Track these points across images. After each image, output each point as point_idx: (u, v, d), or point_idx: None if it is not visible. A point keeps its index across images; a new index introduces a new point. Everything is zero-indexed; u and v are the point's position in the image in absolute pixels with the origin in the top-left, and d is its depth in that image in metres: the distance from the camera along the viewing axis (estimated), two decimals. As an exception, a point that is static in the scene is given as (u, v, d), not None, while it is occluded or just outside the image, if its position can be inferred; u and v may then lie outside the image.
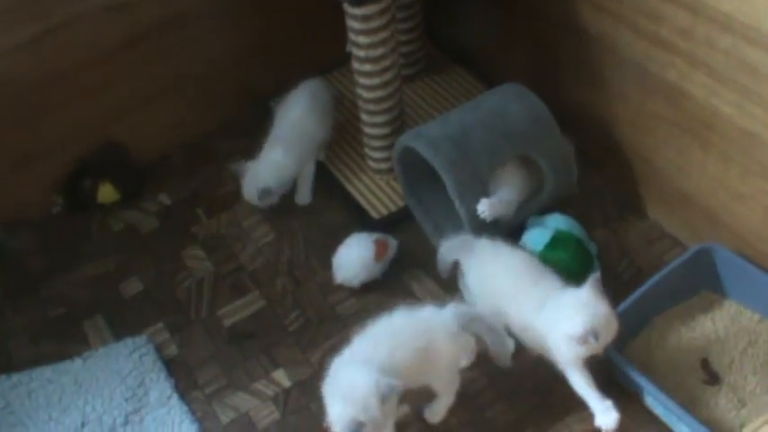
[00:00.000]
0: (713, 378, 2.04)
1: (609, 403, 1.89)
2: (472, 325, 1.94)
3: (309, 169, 2.57)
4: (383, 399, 1.73)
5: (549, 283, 2.02)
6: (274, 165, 2.49)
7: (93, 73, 2.51)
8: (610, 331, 1.89)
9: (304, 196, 2.57)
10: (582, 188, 2.37)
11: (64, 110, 2.51)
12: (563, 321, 1.89)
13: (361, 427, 1.71)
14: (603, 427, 1.88)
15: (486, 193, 2.18)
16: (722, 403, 2.00)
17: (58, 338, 2.32)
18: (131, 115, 2.64)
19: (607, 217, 2.41)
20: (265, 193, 2.46)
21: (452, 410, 2.04)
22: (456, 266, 2.20)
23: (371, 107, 2.42)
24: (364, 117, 2.46)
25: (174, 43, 2.61)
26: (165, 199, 2.66)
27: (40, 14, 2.35)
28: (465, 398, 2.06)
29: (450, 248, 2.17)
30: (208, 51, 2.69)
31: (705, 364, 2.07)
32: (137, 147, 2.68)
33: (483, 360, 2.11)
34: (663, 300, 2.15)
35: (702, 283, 2.18)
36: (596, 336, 1.85)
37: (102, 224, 2.61)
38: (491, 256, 2.11)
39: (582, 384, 1.93)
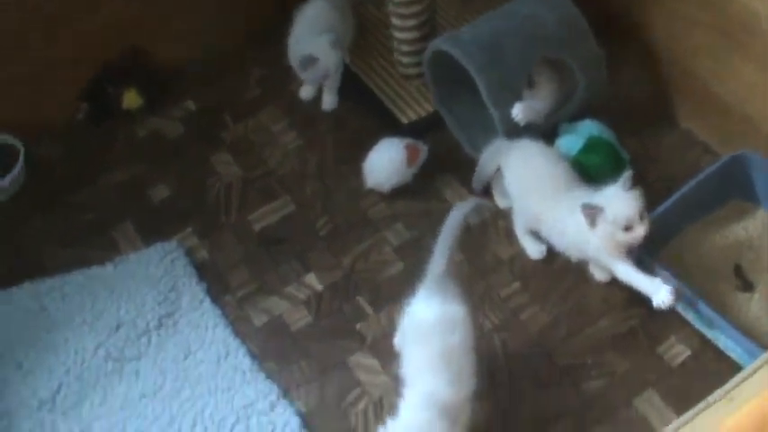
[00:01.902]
0: (746, 285, 2.04)
1: (658, 280, 1.90)
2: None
3: (336, 74, 2.53)
4: None
5: (583, 190, 2.01)
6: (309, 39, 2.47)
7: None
8: (643, 222, 1.89)
9: (330, 102, 2.55)
10: (613, 95, 2.33)
11: (89, 15, 2.47)
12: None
13: None
14: (662, 305, 1.88)
15: (520, 98, 2.15)
16: (755, 310, 2.00)
17: (89, 245, 2.33)
18: (156, 21, 2.59)
19: (638, 125, 2.38)
20: (307, 61, 2.43)
21: (485, 314, 2.05)
22: (492, 175, 2.20)
23: (402, 10, 2.38)
24: (394, 21, 2.42)
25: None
26: (190, 105, 2.63)
27: None
28: (498, 301, 2.07)
29: (490, 154, 2.17)
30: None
31: (738, 270, 2.07)
32: (161, 53, 2.64)
33: (517, 266, 2.13)
34: (695, 208, 2.14)
35: (735, 191, 2.17)
36: (631, 222, 1.87)
37: (127, 131, 2.59)
38: (531, 157, 2.11)
39: (627, 271, 1.94)
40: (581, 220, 1.92)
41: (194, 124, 2.58)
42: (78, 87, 2.58)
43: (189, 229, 2.33)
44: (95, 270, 2.26)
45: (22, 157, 2.46)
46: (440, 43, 2.21)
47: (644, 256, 1.97)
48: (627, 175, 1.92)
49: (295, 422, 1.96)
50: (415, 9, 2.37)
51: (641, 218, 1.89)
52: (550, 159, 2.10)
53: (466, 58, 2.13)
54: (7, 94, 2.42)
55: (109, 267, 2.27)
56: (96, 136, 2.58)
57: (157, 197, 2.42)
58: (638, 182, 1.95)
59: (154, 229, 2.34)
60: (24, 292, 2.24)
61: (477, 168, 2.23)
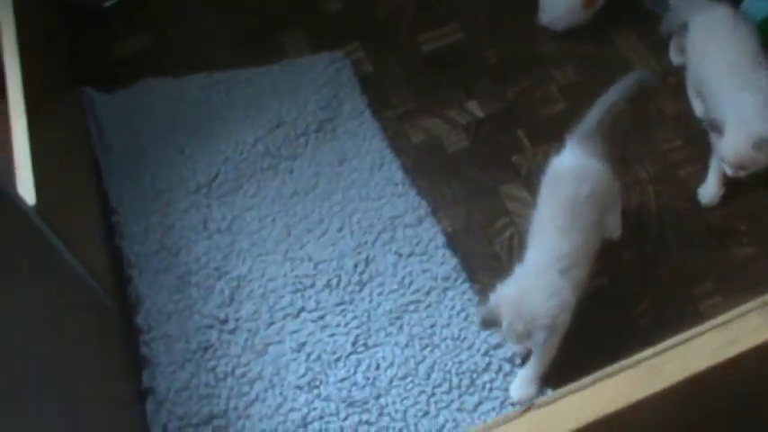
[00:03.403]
0: None
1: None
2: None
3: None
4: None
5: (758, 76, 1.91)
6: None
7: None
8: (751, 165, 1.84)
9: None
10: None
11: None
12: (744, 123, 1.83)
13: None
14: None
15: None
16: None
17: (257, 47, 2.36)
18: None
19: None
20: None
21: (642, 164, 2.03)
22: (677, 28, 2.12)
23: None
24: None
25: None
26: None
27: None
28: (657, 154, 2.04)
29: (681, 7, 2.08)
30: None
31: None
32: None
33: (682, 124, 2.06)
34: None
35: None
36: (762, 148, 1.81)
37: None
38: (718, 25, 2.00)
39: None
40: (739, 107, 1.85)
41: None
42: None
43: (357, 43, 2.33)
44: (262, 69, 2.31)
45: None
46: None
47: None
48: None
49: (440, 239, 1.99)
50: None
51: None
52: (738, 32, 1.98)
53: None
54: None
55: (275, 68, 2.31)
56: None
57: (329, 9, 2.42)
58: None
59: (322, 39, 2.35)
60: (192, 83, 2.31)
61: (666, 16, 2.14)
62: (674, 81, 2.16)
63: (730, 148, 1.84)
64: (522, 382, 1.77)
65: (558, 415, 1.16)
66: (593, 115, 1.81)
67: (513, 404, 1.78)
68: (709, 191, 1.98)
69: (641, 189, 2.02)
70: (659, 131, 2.09)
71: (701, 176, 2.00)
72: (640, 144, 2.07)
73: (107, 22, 2.44)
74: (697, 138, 2.04)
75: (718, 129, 1.83)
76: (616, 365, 1.18)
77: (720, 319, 1.22)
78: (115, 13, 2.45)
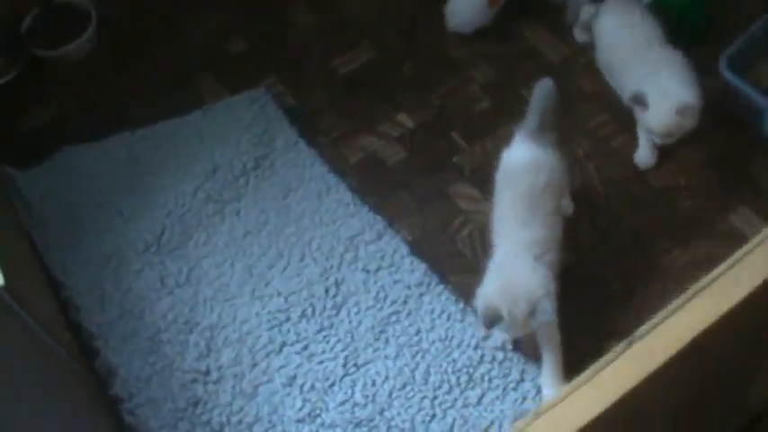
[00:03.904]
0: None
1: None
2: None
3: None
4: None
5: (668, 51, 2.04)
6: None
7: None
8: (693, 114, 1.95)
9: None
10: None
11: None
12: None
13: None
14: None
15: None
16: None
17: (172, 97, 2.34)
18: None
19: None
20: None
21: (578, 143, 2.11)
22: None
23: None
24: None
25: None
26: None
27: None
28: (587, 131, 2.12)
29: None
30: None
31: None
32: None
33: (603, 99, 2.16)
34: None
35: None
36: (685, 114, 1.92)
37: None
38: (624, 11, 2.12)
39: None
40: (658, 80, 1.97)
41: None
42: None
43: (273, 78, 2.34)
44: (185, 118, 2.29)
45: (94, 16, 2.45)
46: None
47: (731, 77, 2.01)
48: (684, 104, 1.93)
49: (404, 249, 2.02)
50: None
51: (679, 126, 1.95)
52: (642, 15, 2.11)
53: None
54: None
55: (198, 114, 2.29)
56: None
57: (236, 49, 2.42)
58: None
59: (236, 79, 2.35)
60: (115, 143, 2.27)
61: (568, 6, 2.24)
62: (584, 61, 2.26)
63: (656, 119, 1.96)
64: (547, 380, 1.80)
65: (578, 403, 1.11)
66: (534, 112, 1.86)
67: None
68: (644, 156, 2.08)
69: (581, 167, 2.10)
70: (584, 110, 2.19)
71: (633, 144, 2.11)
72: (570, 125, 2.15)
73: (5, 98, 2.36)
74: (619, 109, 2.14)
75: (643, 102, 1.94)
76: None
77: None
78: (10, 90, 2.37)
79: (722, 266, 1.07)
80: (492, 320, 1.66)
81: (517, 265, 1.73)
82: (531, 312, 1.64)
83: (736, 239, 1.95)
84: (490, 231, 1.86)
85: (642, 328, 0.98)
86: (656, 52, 2.05)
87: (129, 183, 2.20)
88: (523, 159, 1.83)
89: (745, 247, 1.12)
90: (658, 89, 1.96)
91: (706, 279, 1.05)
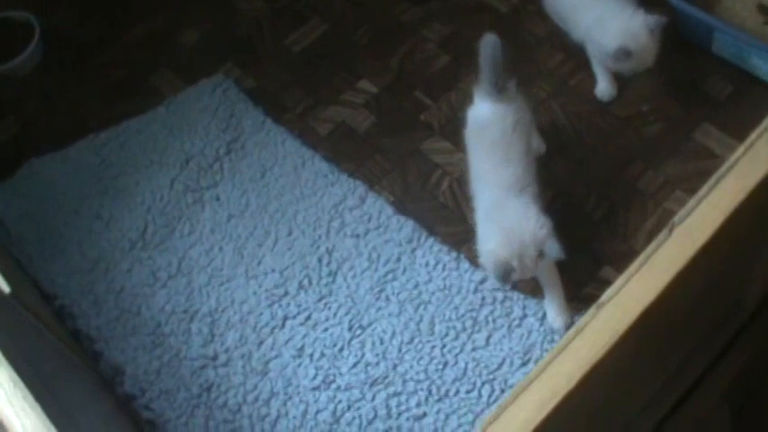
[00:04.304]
0: (771, 15, 2.18)
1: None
2: None
3: None
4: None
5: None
6: None
7: None
8: (648, 53, 1.98)
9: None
10: None
11: None
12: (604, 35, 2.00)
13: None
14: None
15: None
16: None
17: (132, 97, 2.33)
18: None
19: None
20: None
21: (539, 86, 2.17)
22: None
23: None
24: None
25: None
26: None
27: None
28: (546, 73, 2.18)
29: None
30: None
31: (762, 8, 2.20)
32: None
33: (556, 40, 2.21)
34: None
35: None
36: (629, 55, 1.95)
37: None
38: None
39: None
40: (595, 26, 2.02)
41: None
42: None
43: (229, 64, 2.35)
44: (149, 114, 2.28)
45: (38, 28, 2.42)
46: None
47: (679, 2, 2.09)
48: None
49: (389, 209, 2.04)
50: None
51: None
52: None
53: None
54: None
55: (161, 110, 2.28)
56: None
57: (188, 42, 2.42)
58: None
59: (193, 71, 2.35)
60: (82, 149, 2.25)
61: None
62: (533, 8, 2.31)
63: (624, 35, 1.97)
64: (556, 312, 1.84)
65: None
66: (485, 69, 1.88)
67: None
68: (604, 89, 2.14)
69: (546, 107, 2.15)
70: (540, 53, 2.24)
71: (591, 80, 2.16)
72: (529, 69, 2.21)
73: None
74: (573, 48, 2.19)
75: (628, 54, 1.96)
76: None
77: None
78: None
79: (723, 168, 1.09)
80: (506, 274, 1.70)
81: (508, 210, 1.77)
82: (542, 252, 1.69)
83: (703, 154, 2.03)
84: (468, 184, 1.90)
85: (680, 213, 1.02)
86: None
87: (103, 185, 2.19)
88: (488, 114, 1.88)
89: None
90: (621, 17, 1.99)
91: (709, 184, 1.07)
